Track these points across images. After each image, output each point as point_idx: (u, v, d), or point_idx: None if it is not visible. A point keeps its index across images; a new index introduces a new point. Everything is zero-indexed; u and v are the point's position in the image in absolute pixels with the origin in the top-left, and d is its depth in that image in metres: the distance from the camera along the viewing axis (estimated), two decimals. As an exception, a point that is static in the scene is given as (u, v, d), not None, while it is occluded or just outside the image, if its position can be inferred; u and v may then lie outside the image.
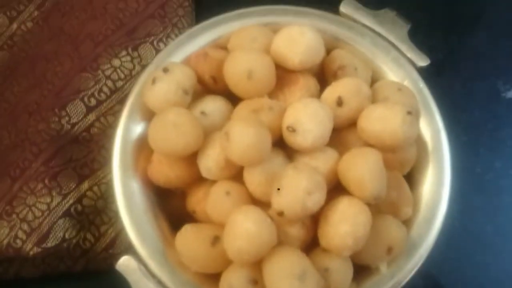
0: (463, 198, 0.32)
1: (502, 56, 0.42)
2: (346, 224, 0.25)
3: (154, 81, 0.28)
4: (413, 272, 0.28)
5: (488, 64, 0.42)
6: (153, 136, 0.27)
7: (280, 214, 0.25)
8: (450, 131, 0.31)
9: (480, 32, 0.43)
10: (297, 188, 0.25)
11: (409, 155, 0.29)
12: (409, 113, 0.27)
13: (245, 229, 0.24)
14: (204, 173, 0.28)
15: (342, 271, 0.26)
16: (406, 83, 0.31)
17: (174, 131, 0.26)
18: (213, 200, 0.27)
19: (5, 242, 0.31)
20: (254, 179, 0.27)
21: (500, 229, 0.37)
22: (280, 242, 0.26)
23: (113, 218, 0.33)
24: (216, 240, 0.26)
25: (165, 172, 0.28)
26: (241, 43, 0.30)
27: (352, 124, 0.29)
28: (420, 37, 0.33)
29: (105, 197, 0.33)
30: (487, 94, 0.41)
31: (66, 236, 0.32)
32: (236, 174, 0.27)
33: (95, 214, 0.32)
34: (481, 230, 0.37)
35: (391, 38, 0.32)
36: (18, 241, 0.31)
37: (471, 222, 0.37)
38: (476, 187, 0.38)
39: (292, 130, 0.26)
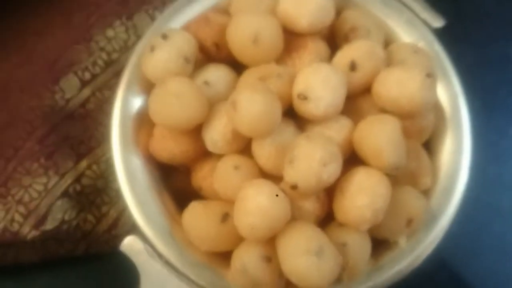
0: (478, 167, 0.30)
1: (514, 20, 0.40)
2: (364, 196, 0.24)
3: (152, 48, 0.26)
4: (433, 245, 0.27)
5: (499, 28, 0.40)
6: (154, 109, 0.25)
7: (294, 187, 0.24)
8: (473, 104, 0.30)
9: (490, -7, 0.41)
10: (311, 159, 0.23)
11: (427, 122, 0.27)
12: (428, 76, 0.25)
13: (257, 204, 0.23)
14: (210, 147, 0.26)
15: (360, 246, 0.25)
16: (421, 45, 0.29)
17: (177, 102, 0.25)
18: (221, 176, 0.25)
19: (1, 225, 0.29)
20: (264, 152, 0.25)
21: (517, 197, 0.36)
22: (294, 217, 0.24)
23: (115, 198, 0.31)
24: (225, 217, 0.25)
25: (169, 147, 0.26)
26: (245, 5, 0.28)
27: (366, 90, 0.27)
28: (429, 1, 0.32)
29: (105, 176, 0.31)
30: (498, 59, 0.40)
31: (66, 217, 0.30)
32: (244, 147, 0.26)
33: (95, 194, 0.31)
34: (498, 200, 0.36)
35: (404, -2, 0.30)
36: (15, 224, 0.29)
37: (487, 191, 0.36)
38: (491, 155, 0.37)
39: (303, 97, 0.25)
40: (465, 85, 0.30)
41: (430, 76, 0.25)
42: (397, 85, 0.25)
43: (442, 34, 0.31)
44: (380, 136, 0.24)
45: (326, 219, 0.26)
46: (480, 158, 0.31)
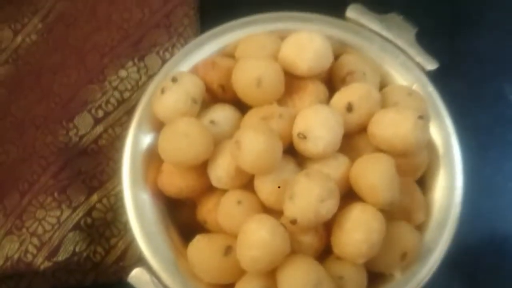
0: (473, 201, 0.32)
1: (508, 58, 0.42)
2: (360, 231, 0.25)
3: (163, 91, 0.28)
4: (427, 278, 0.28)
5: (494, 66, 0.42)
6: (163, 147, 0.27)
7: (293, 222, 0.25)
8: (457, 135, 0.31)
9: (485, 34, 0.43)
10: (310, 196, 0.25)
11: (420, 160, 0.29)
12: (420, 117, 0.27)
13: (258, 238, 0.24)
14: (215, 182, 0.27)
15: (356, 278, 0.26)
16: (415, 87, 0.31)
17: (184, 141, 0.26)
18: (225, 210, 0.27)
19: (16, 256, 0.31)
20: (265, 188, 0.26)
21: (511, 230, 0.37)
22: (294, 250, 0.26)
23: (123, 230, 0.33)
24: (228, 250, 0.26)
25: (176, 182, 0.28)
26: (249, 50, 0.30)
27: (362, 129, 0.28)
28: (425, 41, 0.33)
29: (115, 209, 0.32)
30: (493, 97, 0.41)
31: (77, 249, 0.31)
32: (247, 183, 0.27)
33: (105, 227, 0.32)
34: (492, 232, 0.37)
35: (399, 42, 0.32)
36: (28, 255, 0.31)
37: (482, 224, 0.37)
38: (486, 190, 0.38)
39: (303, 137, 0.26)
40: (461, 123, 0.31)
41: (422, 118, 0.27)
42: (391, 126, 0.27)
43: (438, 73, 0.33)
44: (375, 174, 0.26)
45: (325, 252, 0.27)
46: (475, 192, 0.32)
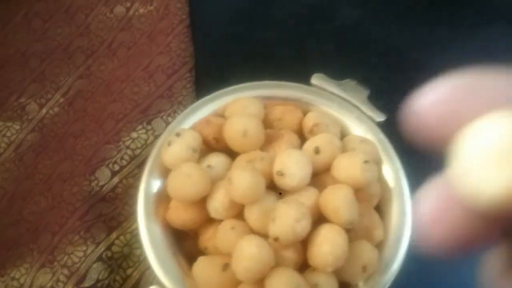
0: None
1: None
2: (327, 244, 0.31)
3: (169, 143, 0.35)
4: (386, 287, 0.34)
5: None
6: (171, 186, 0.34)
7: (276, 239, 0.31)
8: (411, 176, 0.37)
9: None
10: (288, 217, 0.31)
11: (373, 191, 0.36)
12: (366, 162, 0.33)
13: (249, 252, 0.30)
14: (212, 213, 0.34)
15: (328, 285, 0.32)
16: (368, 135, 0.39)
17: (188, 181, 0.33)
18: (221, 235, 0.33)
19: (48, 285, 0.36)
20: (253, 215, 0.33)
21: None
22: (278, 263, 0.32)
23: (137, 262, 0.38)
24: (226, 266, 0.32)
25: (181, 216, 0.34)
26: (236, 110, 0.37)
27: (327, 169, 0.35)
28: (380, 103, 0.41)
29: (130, 244, 0.38)
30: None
31: (100, 277, 0.37)
32: (239, 213, 0.34)
33: (122, 259, 0.38)
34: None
35: (354, 101, 0.40)
36: (60, 283, 0.37)
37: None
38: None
39: (281, 174, 0.33)
40: (414, 166, 0.36)
41: (368, 161, 0.33)
42: (344, 170, 0.34)
43: (393, 128, 0.40)
44: (337, 200, 0.32)
45: (303, 265, 0.33)
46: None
